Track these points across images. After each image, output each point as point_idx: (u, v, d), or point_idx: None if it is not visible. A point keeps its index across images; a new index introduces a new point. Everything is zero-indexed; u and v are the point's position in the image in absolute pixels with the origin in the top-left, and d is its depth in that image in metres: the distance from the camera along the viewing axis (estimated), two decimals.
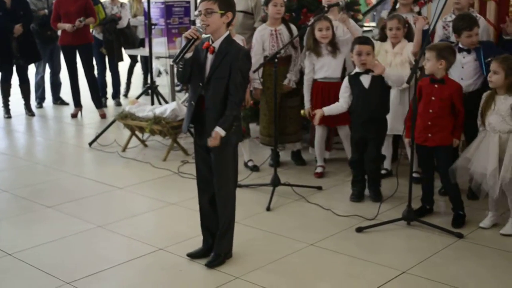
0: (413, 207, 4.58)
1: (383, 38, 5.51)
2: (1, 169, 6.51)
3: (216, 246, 4.03)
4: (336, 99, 5.35)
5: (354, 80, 5.10)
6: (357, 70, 5.10)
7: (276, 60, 5.15)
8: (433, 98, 4.58)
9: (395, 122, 5.26)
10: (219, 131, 3.72)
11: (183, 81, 4.05)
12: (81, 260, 4.16)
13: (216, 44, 3.76)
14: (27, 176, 6.15)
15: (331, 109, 5.26)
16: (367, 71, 5.03)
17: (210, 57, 3.77)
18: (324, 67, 5.65)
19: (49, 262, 4.10)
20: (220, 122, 3.73)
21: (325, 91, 5.62)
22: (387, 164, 5.70)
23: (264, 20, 6.58)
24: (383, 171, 5.61)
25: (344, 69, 5.75)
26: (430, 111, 4.58)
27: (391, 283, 3.75)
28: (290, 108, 5.99)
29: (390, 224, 4.56)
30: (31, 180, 5.97)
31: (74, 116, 8.96)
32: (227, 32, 3.80)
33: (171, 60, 3.86)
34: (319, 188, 5.49)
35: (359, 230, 4.52)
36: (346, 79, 5.21)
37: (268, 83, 5.76)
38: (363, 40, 5.12)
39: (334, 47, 5.62)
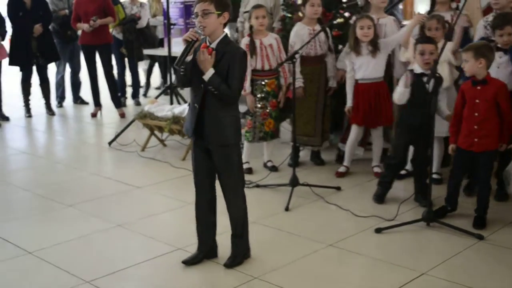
0: (433, 208, 4.56)
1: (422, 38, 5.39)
2: (22, 168, 6.57)
3: (233, 247, 4.01)
4: (377, 100, 5.34)
5: (417, 80, 4.86)
6: (420, 70, 4.88)
7: (295, 59, 5.14)
8: (477, 100, 4.44)
9: (438, 124, 5.03)
10: (211, 70, 3.64)
11: (184, 86, 3.98)
12: (100, 259, 4.18)
13: (214, 45, 3.72)
14: (47, 175, 6.20)
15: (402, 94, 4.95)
16: (422, 74, 4.82)
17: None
18: (362, 67, 5.61)
19: (69, 261, 4.12)
20: (218, 75, 3.65)
21: (365, 93, 5.60)
22: (435, 167, 5.47)
23: (282, 20, 6.59)
24: (402, 172, 5.56)
25: (388, 70, 5.71)
26: (476, 114, 4.44)
27: (410, 284, 3.72)
28: (325, 106, 6.04)
29: (410, 225, 4.53)
30: (51, 179, 6.01)
31: (93, 115, 9.01)
32: (224, 33, 3.78)
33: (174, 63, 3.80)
34: (338, 188, 5.47)
35: (378, 231, 4.50)
36: (409, 75, 4.93)
37: (304, 83, 5.80)
38: (425, 39, 4.96)
39: (374, 46, 5.57)
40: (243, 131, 5.92)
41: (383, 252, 4.18)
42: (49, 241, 4.45)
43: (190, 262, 4.03)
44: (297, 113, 5.76)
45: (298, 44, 5.73)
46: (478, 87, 4.46)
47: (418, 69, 4.92)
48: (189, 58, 3.69)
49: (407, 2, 7.82)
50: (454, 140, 4.58)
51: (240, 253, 4.01)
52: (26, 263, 4.13)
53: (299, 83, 5.76)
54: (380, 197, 5.14)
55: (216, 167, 3.87)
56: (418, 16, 5.39)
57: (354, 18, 5.78)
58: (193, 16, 3.74)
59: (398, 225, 4.55)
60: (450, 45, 5.19)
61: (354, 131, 5.79)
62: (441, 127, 5.01)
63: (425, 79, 4.77)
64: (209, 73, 3.66)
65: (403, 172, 5.54)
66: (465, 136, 4.52)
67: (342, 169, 5.88)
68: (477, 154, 4.52)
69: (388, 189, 5.18)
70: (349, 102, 5.72)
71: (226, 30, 3.99)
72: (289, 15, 6.55)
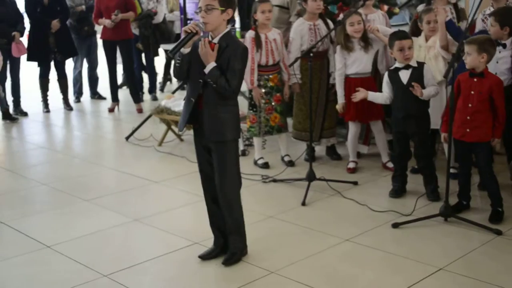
0: (450, 203, 4.53)
1: (415, 32, 5.41)
2: (40, 162, 6.62)
3: (230, 244, 3.98)
4: None
5: (394, 75, 5.02)
6: (396, 65, 5.01)
7: (311, 54, 5.13)
8: (472, 92, 4.49)
9: (432, 116, 5.18)
10: (212, 63, 3.63)
11: (180, 78, 3.96)
12: (118, 253, 4.21)
13: (216, 40, 3.70)
14: (65, 169, 6.24)
15: (375, 97, 5.20)
16: (406, 66, 4.94)
17: None
18: (356, 62, 5.61)
19: (86, 255, 4.16)
20: (218, 70, 3.63)
21: (358, 87, 5.56)
22: (452, 162, 5.35)
23: (299, 14, 6.57)
24: (417, 166, 5.53)
25: (374, 65, 5.71)
26: (469, 105, 4.50)
27: (428, 279, 3.71)
28: (327, 102, 6.00)
29: (427, 220, 4.51)
30: (69, 174, 6.06)
31: (111, 110, 9.05)
32: (227, 29, 3.74)
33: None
34: (355, 183, 5.45)
35: (395, 225, 4.49)
36: (386, 74, 5.15)
37: (305, 78, 5.76)
38: (403, 35, 4.99)
39: (366, 42, 5.58)
40: (246, 125, 5.94)
41: (400, 247, 4.17)
42: (67, 235, 4.48)
43: (206, 257, 4.03)
44: (297, 108, 5.77)
45: (297, 39, 5.74)
46: (475, 79, 4.50)
47: (396, 64, 5.03)
48: (186, 50, 3.66)
49: None
50: (446, 129, 4.58)
51: (238, 250, 3.98)
52: (45, 257, 4.17)
53: (294, 79, 5.77)
54: (396, 192, 5.13)
55: (214, 164, 3.84)
56: (442, 11, 5.30)
57: (341, 16, 5.76)
58: (197, 10, 3.72)
59: (415, 220, 4.53)
60: (435, 40, 5.24)
61: (351, 128, 5.79)
62: (434, 120, 5.08)
63: (400, 72, 4.95)
64: (210, 66, 3.64)
65: (416, 166, 5.51)
66: (458, 126, 4.55)
67: (351, 164, 5.87)
68: (470, 145, 4.55)
69: (404, 182, 5.17)
70: (341, 99, 5.71)
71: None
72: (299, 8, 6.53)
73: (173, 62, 3.75)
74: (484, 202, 4.78)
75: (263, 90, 5.80)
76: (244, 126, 5.95)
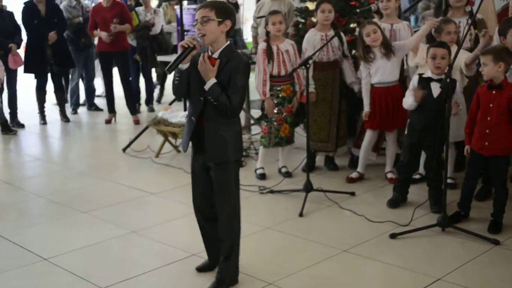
0: (447, 213, 4.53)
1: (429, 42, 5.36)
2: (37, 174, 6.61)
3: (218, 271, 3.77)
4: (394, 103, 5.35)
5: (424, 85, 4.87)
6: (430, 74, 4.87)
7: (308, 65, 5.15)
8: (491, 105, 4.43)
9: (454, 129, 4.99)
10: (212, 79, 3.47)
11: (179, 95, 3.82)
12: (115, 265, 4.19)
13: (216, 55, 3.53)
14: (62, 181, 6.23)
15: (406, 102, 5.03)
16: (439, 79, 4.74)
17: None
18: (379, 71, 5.59)
19: (84, 267, 4.14)
20: (219, 86, 3.47)
21: (382, 97, 5.58)
22: (450, 172, 5.37)
23: (296, 25, 6.61)
24: (417, 176, 5.54)
25: (401, 74, 5.72)
26: (488, 118, 4.44)
27: None
28: (340, 112, 6.05)
29: (425, 230, 4.51)
30: (66, 186, 6.04)
31: (108, 122, 9.05)
32: (228, 42, 3.58)
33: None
34: (352, 193, 5.45)
35: (393, 236, 4.48)
36: (415, 78, 5.00)
37: (318, 89, 5.80)
38: (438, 43, 4.94)
39: (387, 49, 5.56)
40: (257, 136, 5.94)
41: (398, 257, 4.16)
42: (64, 248, 4.47)
43: (203, 269, 4.00)
44: (311, 119, 5.76)
45: (310, 50, 5.74)
46: (493, 92, 4.44)
47: (427, 73, 4.92)
48: (184, 66, 3.49)
49: None
50: (469, 141, 4.57)
51: (225, 278, 3.75)
52: (42, 269, 4.15)
53: (310, 88, 5.77)
54: (394, 202, 5.13)
55: (213, 184, 3.67)
56: (431, 21, 5.37)
57: (358, 28, 5.78)
58: (194, 23, 3.56)
59: (413, 230, 4.52)
60: (465, 55, 5.13)
61: (368, 136, 5.78)
62: (455, 132, 5.00)
63: (432, 84, 4.80)
64: (210, 82, 3.48)
65: (417, 176, 5.51)
66: (477, 139, 4.52)
67: (354, 174, 5.86)
68: (488, 158, 4.51)
69: (404, 193, 5.17)
70: (366, 107, 5.70)
71: None
72: (302, 20, 6.57)
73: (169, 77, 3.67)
74: (482, 212, 4.78)
75: (275, 101, 5.80)
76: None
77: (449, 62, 4.72)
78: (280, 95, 5.79)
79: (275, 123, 5.84)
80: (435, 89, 4.78)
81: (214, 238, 3.85)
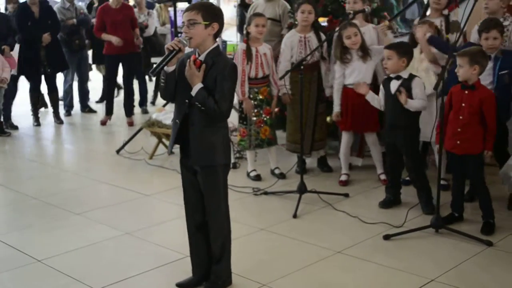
0: (441, 214, 4.55)
1: (412, 45, 5.43)
2: (31, 176, 6.60)
3: (212, 273, 3.75)
4: (366, 104, 5.36)
5: (385, 84, 5.08)
6: (390, 74, 5.04)
7: (302, 67, 5.16)
8: (463, 104, 4.51)
9: (423, 128, 5.16)
10: (198, 85, 3.41)
11: (167, 98, 3.78)
12: (109, 266, 4.19)
13: (202, 57, 3.49)
14: (56, 183, 6.22)
15: (373, 97, 5.25)
16: (397, 77, 4.96)
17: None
18: (354, 72, 5.63)
19: (78, 269, 4.14)
20: (205, 91, 3.42)
21: (355, 98, 5.58)
22: (442, 173, 5.31)
23: (290, 27, 6.61)
24: (407, 177, 5.55)
25: (375, 77, 5.74)
26: (460, 117, 4.52)
27: None
28: (317, 115, 6.01)
29: (418, 232, 4.53)
30: (60, 188, 6.04)
31: (103, 123, 9.03)
32: (215, 44, 3.54)
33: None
34: (346, 195, 5.47)
35: (387, 237, 4.49)
36: (382, 82, 5.23)
37: (294, 90, 5.78)
38: (387, 45, 5.12)
39: (364, 52, 5.60)
40: (237, 138, 5.96)
41: (392, 259, 4.17)
42: (58, 249, 4.46)
43: (184, 285, 3.84)
44: (288, 120, 5.79)
45: (287, 50, 5.79)
46: (466, 92, 4.52)
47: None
48: (170, 68, 3.45)
49: None
50: (438, 141, 4.61)
51: (218, 280, 3.74)
52: (36, 271, 4.15)
53: (284, 90, 5.79)
54: (385, 203, 5.18)
55: (201, 188, 3.64)
56: (420, 29, 5.40)
57: (337, 28, 5.80)
58: (180, 25, 3.53)
59: (407, 231, 4.54)
60: (421, 55, 5.30)
61: (344, 138, 5.81)
62: (424, 131, 5.09)
63: (391, 82, 4.99)
64: (196, 87, 3.43)
65: (407, 178, 5.52)
66: (448, 138, 4.59)
67: (343, 177, 5.87)
68: (463, 158, 4.58)
69: (395, 194, 5.21)
70: (336, 108, 5.73)
71: None
72: (297, 22, 6.56)
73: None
74: (476, 213, 4.80)
75: (253, 103, 5.83)
76: (234, 138, 5.99)
77: (401, 62, 4.92)
78: (258, 97, 5.84)
79: (255, 126, 5.86)
80: (393, 87, 4.97)
81: (202, 250, 3.78)
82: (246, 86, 5.76)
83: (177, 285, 3.85)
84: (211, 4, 3.70)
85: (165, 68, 3.45)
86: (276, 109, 6.09)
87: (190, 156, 3.57)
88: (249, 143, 5.91)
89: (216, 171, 3.58)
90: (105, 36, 8.57)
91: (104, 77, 9.31)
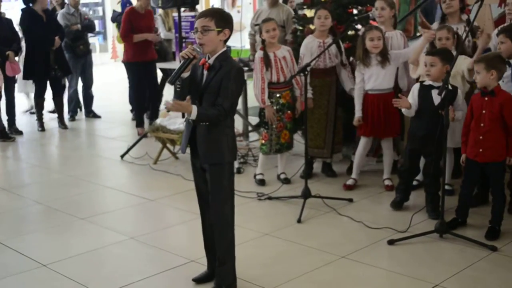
0: (445, 220, 4.55)
1: (432, 49, 5.34)
2: (35, 181, 6.62)
3: (216, 276, 3.80)
4: (387, 110, 5.37)
5: (424, 92, 4.91)
6: (431, 82, 4.89)
7: (307, 72, 5.17)
8: (483, 111, 4.46)
9: (450, 135, 4.99)
10: (193, 109, 3.49)
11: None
12: (114, 271, 4.20)
13: (211, 60, 3.60)
14: (61, 188, 6.23)
15: (410, 112, 5.01)
16: (439, 86, 4.73)
17: (205, 73, 3.61)
18: (372, 78, 5.62)
19: (83, 273, 4.15)
20: (201, 108, 3.54)
21: (375, 104, 5.60)
22: (448, 178, 5.39)
23: (294, 33, 6.63)
24: (414, 182, 5.55)
25: (396, 82, 5.73)
26: (482, 125, 4.47)
27: None
28: (336, 119, 6.07)
29: (423, 237, 4.52)
30: (65, 192, 6.05)
31: (143, 135, 7.82)
32: (224, 48, 3.64)
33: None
34: (350, 200, 5.47)
35: (391, 242, 4.49)
36: (416, 87, 5.03)
37: (314, 95, 5.83)
38: (428, 51, 5.11)
39: (384, 57, 5.58)
40: (255, 143, 5.96)
41: (396, 264, 4.17)
42: (63, 254, 4.47)
43: (200, 280, 3.95)
44: (309, 126, 5.77)
45: (307, 56, 5.76)
46: (486, 98, 4.48)
47: (427, 81, 4.95)
48: (185, 74, 3.57)
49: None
50: (465, 150, 4.59)
51: (222, 283, 3.77)
52: (41, 276, 4.16)
53: (308, 94, 5.79)
54: (396, 204, 5.19)
55: (209, 186, 3.71)
56: (427, 34, 5.39)
57: (362, 29, 5.81)
58: (193, 31, 3.63)
59: (411, 236, 4.54)
60: (467, 61, 5.14)
61: (362, 143, 5.80)
62: (453, 138, 5.03)
63: (433, 91, 4.82)
64: (193, 113, 3.51)
65: (414, 182, 5.52)
66: (471, 146, 4.56)
67: (350, 181, 5.86)
68: (484, 165, 4.55)
69: (406, 195, 5.21)
70: (358, 113, 5.72)
71: None
72: (300, 28, 6.59)
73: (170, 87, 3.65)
74: (479, 218, 4.80)
75: (275, 108, 5.81)
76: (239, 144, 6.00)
77: (444, 69, 4.74)
78: (280, 102, 5.81)
79: (275, 130, 5.85)
80: (436, 97, 4.75)
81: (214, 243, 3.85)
82: (266, 94, 5.74)
83: (194, 279, 3.95)
84: (223, 11, 3.78)
85: (182, 75, 3.56)
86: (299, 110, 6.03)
87: (199, 155, 3.67)
88: (270, 148, 5.91)
89: (223, 169, 3.66)
90: (137, 37, 8.25)
91: (129, 87, 9.08)
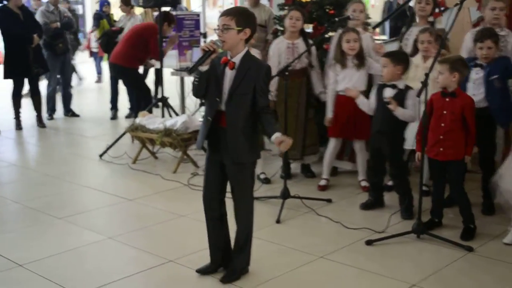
0: (422, 220, 4.59)
1: (414, 52, 5.44)
2: (12, 180, 6.56)
3: (233, 261, 3.98)
4: (356, 112, 5.40)
5: (378, 90, 5.10)
6: (385, 81, 5.07)
7: (286, 73, 5.17)
8: (444, 112, 4.56)
9: (409, 136, 5.15)
10: (278, 135, 3.68)
11: (198, 96, 3.92)
12: (91, 271, 4.17)
13: (237, 60, 3.70)
14: (38, 187, 6.18)
15: (363, 102, 5.27)
16: (393, 85, 4.99)
17: (229, 72, 3.71)
18: (345, 79, 5.63)
19: (59, 274, 4.12)
20: (272, 128, 3.72)
21: (345, 105, 5.61)
22: (425, 179, 5.37)
23: (274, 33, 6.63)
24: (390, 183, 5.57)
25: (370, 85, 5.75)
26: (442, 125, 4.57)
27: None
28: (307, 120, 6.04)
29: (400, 237, 4.56)
30: (42, 192, 5.99)
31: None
32: (246, 48, 3.75)
33: (188, 71, 3.85)
34: (329, 200, 5.49)
35: (369, 243, 4.52)
36: (375, 87, 5.27)
37: (282, 96, 5.80)
38: (384, 54, 5.21)
39: (360, 60, 5.61)
40: None
41: (374, 264, 4.20)
42: (40, 254, 4.44)
43: (204, 271, 4.05)
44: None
45: (275, 57, 5.78)
46: (447, 99, 4.57)
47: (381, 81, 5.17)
48: (204, 68, 3.67)
49: None
50: (419, 148, 4.64)
51: (239, 268, 3.97)
52: (17, 276, 4.12)
53: (270, 97, 5.79)
54: (365, 205, 5.26)
55: (230, 181, 3.89)
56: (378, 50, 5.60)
57: (339, 31, 5.83)
58: (216, 28, 3.73)
59: (389, 237, 4.57)
60: (425, 64, 5.25)
61: (332, 143, 5.83)
62: (410, 140, 5.15)
63: (386, 89, 5.02)
64: (275, 135, 3.70)
65: (390, 183, 5.56)
66: (431, 145, 4.63)
67: (322, 182, 5.89)
68: (443, 163, 4.63)
69: (376, 197, 5.26)
70: (329, 114, 5.75)
71: None
72: (281, 28, 6.59)
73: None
74: (456, 219, 4.84)
75: None
76: None
77: (396, 70, 4.96)
78: None
79: None
80: (387, 94, 5.00)
81: (219, 238, 4.03)
82: None
83: (197, 271, 4.05)
84: (246, 10, 3.85)
85: (199, 67, 3.67)
86: None
87: (222, 152, 3.79)
88: None
89: (247, 167, 3.85)
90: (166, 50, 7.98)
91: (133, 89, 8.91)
